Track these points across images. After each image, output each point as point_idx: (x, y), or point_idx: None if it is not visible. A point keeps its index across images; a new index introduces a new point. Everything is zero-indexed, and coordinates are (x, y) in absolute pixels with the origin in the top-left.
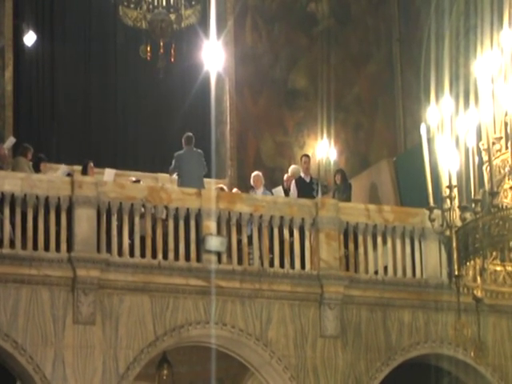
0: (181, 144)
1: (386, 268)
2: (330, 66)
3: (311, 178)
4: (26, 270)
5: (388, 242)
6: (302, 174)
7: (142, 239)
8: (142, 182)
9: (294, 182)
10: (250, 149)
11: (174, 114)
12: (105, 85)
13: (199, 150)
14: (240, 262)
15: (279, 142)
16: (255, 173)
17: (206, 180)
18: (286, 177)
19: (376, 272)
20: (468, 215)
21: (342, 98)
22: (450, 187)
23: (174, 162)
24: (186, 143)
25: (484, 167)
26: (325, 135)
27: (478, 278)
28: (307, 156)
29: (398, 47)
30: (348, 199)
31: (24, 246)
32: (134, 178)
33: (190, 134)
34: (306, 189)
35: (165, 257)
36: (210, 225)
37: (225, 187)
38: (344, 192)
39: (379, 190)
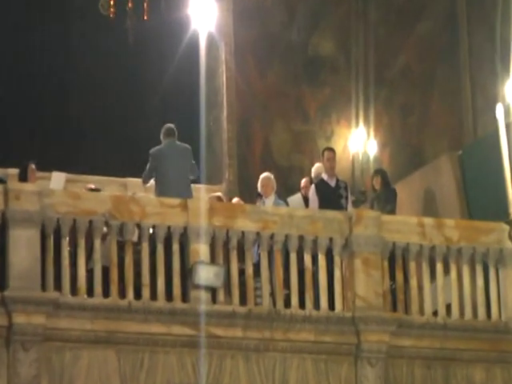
0: (159, 137)
1: (448, 307)
2: (368, 24)
3: (337, 181)
4: None
5: (452, 269)
6: (325, 176)
7: (105, 271)
8: (103, 191)
9: (312, 187)
10: (256, 142)
11: (149, 95)
12: (48, 52)
13: (185, 145)
14: (243, 301)
15: (297, 131)
16: (264, 175)
17: (194, 186)
18: (303, 181)
19: (435, 313)
20: None
21: (384, 68)
22: None
23: (149, 163)
24: (166, 135)
25: None
26: (361, 121)
27: None
28: (331, 150)
29: None
30: (392, 210)
31: None
32: (92, 186)
33: (171, 125)
34: (330, 196)
35: (137, 295)
36: (201, 249)
37: (221, 196)
38: (387, 200)
39: (438, 197)
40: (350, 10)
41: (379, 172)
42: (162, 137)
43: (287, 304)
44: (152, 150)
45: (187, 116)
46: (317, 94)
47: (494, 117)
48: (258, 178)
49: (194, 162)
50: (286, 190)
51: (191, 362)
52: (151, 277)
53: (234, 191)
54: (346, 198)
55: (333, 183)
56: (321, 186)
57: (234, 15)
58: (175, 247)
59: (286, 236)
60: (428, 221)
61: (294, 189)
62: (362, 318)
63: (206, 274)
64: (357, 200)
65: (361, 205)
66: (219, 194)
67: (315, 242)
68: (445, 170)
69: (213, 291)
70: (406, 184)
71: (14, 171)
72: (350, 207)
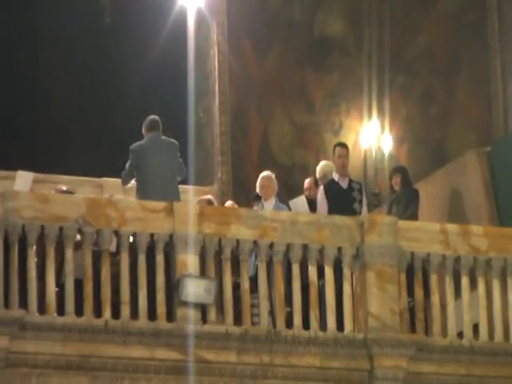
0: (140, 130)
1: (476, 327)
2: None
3: (350, 182)
4: None
5: (480, 284)
6: (336, 176)
7: (78, 285)
8: (76, 193)
9: (321, 188)
10: (254, 136)
11: (130, 82)
12: (12, 34)
13: (172, 140)
14: (238, 320)
15: (300, 123)
16: (264, 174)
17: (182, 188)
18: (307, 182)
19: (460, 334)
20: None
21: (401, 51)
22: None
23: (130, 160)
24: (150, 129)
25: None
26: (374, 112)
27: None
28: (343, 146)
29: None
30: (413, 215)
31: None
32: (63, 187)
33: (155, 116)
34: (341, 199)
35: (115, 314)
36: (189, 260)
37: (212, 199)
38: (407, 203)
39: (464, 200)
40: None
41: (399, 170)
42: (144, 130)
43: (289, 324)
44: (133, 146)
45: (173, 106)
46: (323, 81)
47: None
48: (254, 178)
49: (181, 160)
50: (287, 191)
51: None
52: (131, 292)
53: (227, 193)
54: (360, 201)
55: (345, 184)
56: (331, 187)
57: None
58: (159, 258)
59: (288, 245)
60: (452, 228)
61: (297, 190)
62: (375, 340)
63: (194, 289)
64: (369, 204)
65: (374, 209)
66: (209, 196)
67: (321, 252)
68: (471, 168)
69: (203, 309)
70: (426, 185)
71: None
72: (364, 212)
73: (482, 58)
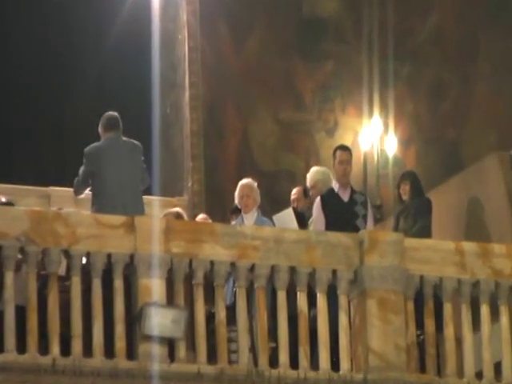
0: (95, 132)
1: (497, 366)
2: None
3: (353, 193)
4: None
5: (502, 314)
6: (336, 186)
7: (20, 313)
8: (18, 205)
9: (318, 201)
10: (231, 137)
11: (83, 71)
12: None
13: (134, 142)
14: (212, 358)
15: (287, 121)
16: (244, 182)
17: (145, 199)
18: (295, 191)
19: (479, 374)
20: None
21: (407, 35)
22: None
23: (84, 166)
24: (108, 128)
25: None
26: (375, 109)
27: None
28: (346, 150)
29: None
30: (425, 230)
31: None
32: (3, 198)
33: (114, 113)
34: (342, 214)
35: (65, 351)
36: (154, 285)
37: (182, 212)
38: (417, 216)
39: (484, 211)
40: None
41: (408, 176)
42: (100, 129)
43: (273, 362)
44: (87, 149)
45: (135, 101)
46: (315, 71)
47: None
48: (232, 187)
49: (145, 166)
50: (270, 202)
51: None
52: (84, 324)
53: (199, 205)
54: (365, 217)
55: (346, 196)
56: (329, 199)
57: None
58: (118, 283)
59: (272, 268)
60: (469, 246)
61: (283, 201)
62: (377, 381)
63: (160, 321)
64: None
65: (376, 224)
66: (178, 209)
67: (312, 275)
68: (492, 174)
69: (170, 344)
70: (437, 195)
71: None
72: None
73: (503, 42)
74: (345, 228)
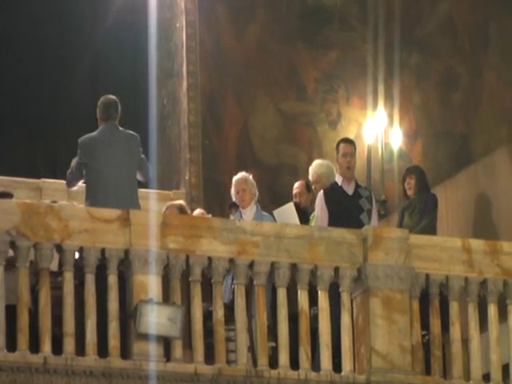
0: (90, 120)
1: (506, 368)
2: None
3: (357, 187)
4: None
5: (511, 314)
6: (339, 180)
7: (10, 312)
8: (13, 198)
9: (321, 194)
10: (231, 128)
11: (76, 60)
12: None
13: (131, 132)
14: (210, 357)
15: (289, 113)
16: (239, 176)
17: (141, 193)
18: (297, 185)
19: (487, 376)
20: None
21: (415, 22)
22: None
23: (77, 157)
24: (105, 117)
25: None
26: (381, 99)
27: None
28: (350, 143)
29: None
30: (430, 227)
31: None
32: None
33: (112, 97)
34: (346, 209)
35: (57, 349)
36: (149, 282)
37: (185, 205)
38: (423, 212)
39: (494, 207)
40: None
41: (414, 171)
42: (99, 117)
43: (273, 362)
44: (81, 139)
45: (131, 91)
46: (318, 60)
47: None
48: (230, 181)
49: (143, 156)
50: (272, 197)
51: None
52: (77, 322)
53: (197, 199)
54: (369, 212)
55: (351, 190)
56: (333, 193)
57: None
58: (112, 279)
59: (272, 264)
60: (477, 244)
61: (284, 196)
62: (381, 383)
63: (156, 319)
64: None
65: (380, 220)
66: (181, 202)
67: (314, 273)
68: (503, 169)
69: (166, 343)
70: (445, 190)
71: None
72: (371, 223)
73: None
74: (349, 222)
